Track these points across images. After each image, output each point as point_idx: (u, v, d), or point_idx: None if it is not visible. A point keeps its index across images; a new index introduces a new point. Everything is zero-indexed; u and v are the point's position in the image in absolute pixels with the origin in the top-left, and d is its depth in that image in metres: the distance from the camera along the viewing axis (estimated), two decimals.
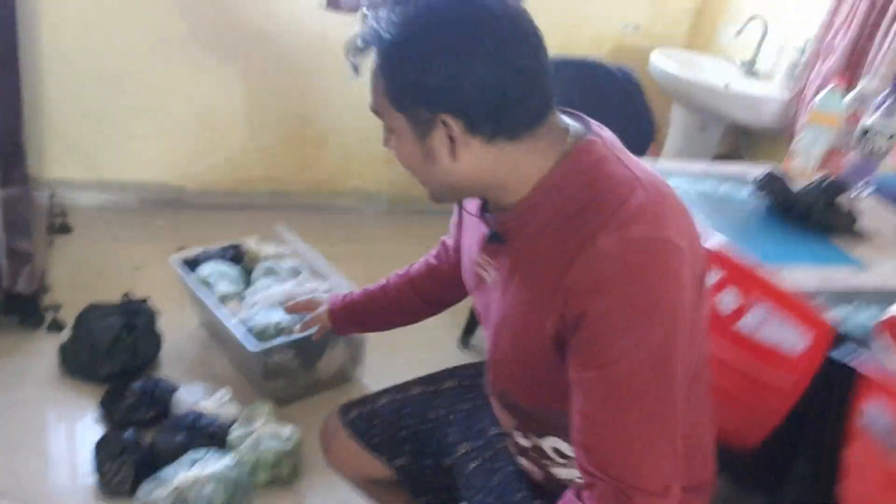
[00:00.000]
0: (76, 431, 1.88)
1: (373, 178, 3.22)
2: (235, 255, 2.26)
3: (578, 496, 0.91)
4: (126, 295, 2.14)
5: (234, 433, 1.83)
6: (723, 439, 1.13)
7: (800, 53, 2.61)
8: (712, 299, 1.08)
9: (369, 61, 0.88)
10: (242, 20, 2.71)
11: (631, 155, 0.93)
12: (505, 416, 1.17)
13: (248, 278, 2.24)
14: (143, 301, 2.13)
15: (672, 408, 0.86)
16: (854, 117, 1.93)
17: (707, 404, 1.06)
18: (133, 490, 1.68)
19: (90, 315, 2.05)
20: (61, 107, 2.64)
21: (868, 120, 1.84)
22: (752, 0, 2.95)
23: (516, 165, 0.90)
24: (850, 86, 2.04)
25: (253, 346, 1.89)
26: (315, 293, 2.11)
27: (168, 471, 1.67)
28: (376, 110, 0.91)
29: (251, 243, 2.33)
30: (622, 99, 2.25)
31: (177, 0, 2.61)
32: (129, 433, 1.78)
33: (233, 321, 1.98)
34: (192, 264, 2.21)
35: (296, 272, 2.24)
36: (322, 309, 1.48)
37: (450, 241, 1.34)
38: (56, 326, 2.19)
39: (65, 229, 2.69)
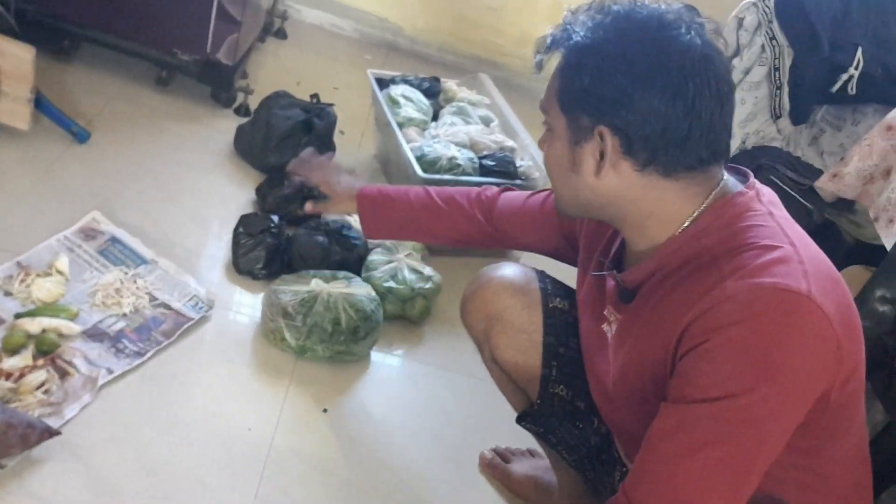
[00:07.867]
0: (228, 205, 1.83)
1: None
2: (430, 89, 2.08)
3: None
4: (314, 96, 2.05)
5: (375, 256, 1.70)
6: None
7: None
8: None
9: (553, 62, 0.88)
10: None
11: (787, 215, 0.86)
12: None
13: (435, 116, 2.07)
14: (329, 105, 2.03)
15: (746, 471, 0.78)
16: None
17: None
18: (262, 271, 1.62)
19: (274, 102, 1.97)
20: None
21: None
22: None
23: (661, 203, 0.85)
24: None
25: (421, 173, 1.73)
26: (502, 146, 1.90)
27: (309, 272, 1.57)
28: (544, 108, 0.90)
29: (451, 83, 2.15)
30: None
31: None
32: (275, 217, 1.70)
33: (408, 146, 1.83)
34: (385, 84, 2.06)
35: (487, 121, 2.03)
36: (349, 188, 1.37)
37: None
38: (244, 111, 2.15)
39: (280, 34, 2.66)
